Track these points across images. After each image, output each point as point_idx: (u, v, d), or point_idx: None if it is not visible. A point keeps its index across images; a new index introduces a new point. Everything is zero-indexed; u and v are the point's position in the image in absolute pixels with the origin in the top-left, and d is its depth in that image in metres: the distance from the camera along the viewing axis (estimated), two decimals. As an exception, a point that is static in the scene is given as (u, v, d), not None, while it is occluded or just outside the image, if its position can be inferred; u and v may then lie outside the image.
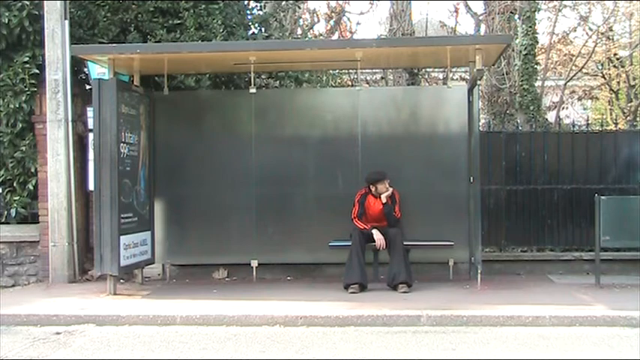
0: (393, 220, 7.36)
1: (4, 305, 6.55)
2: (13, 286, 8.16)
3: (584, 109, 18.51)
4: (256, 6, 11.10)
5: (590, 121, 9.81)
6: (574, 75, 14.34)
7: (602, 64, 15.31)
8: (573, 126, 9.33)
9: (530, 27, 11.45)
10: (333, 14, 16.50)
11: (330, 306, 6.27)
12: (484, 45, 7.10)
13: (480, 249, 7.37)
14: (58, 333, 5.80)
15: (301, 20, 15.86)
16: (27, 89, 8.16)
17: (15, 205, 8.24)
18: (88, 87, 8.44)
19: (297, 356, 5.01)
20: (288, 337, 5.54)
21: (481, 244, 7.42)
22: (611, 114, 16.12)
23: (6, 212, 8.30)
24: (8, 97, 8.15)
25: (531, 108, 11.52)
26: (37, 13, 8.09)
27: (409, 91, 10.32)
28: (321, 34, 16.22)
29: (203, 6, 8.92)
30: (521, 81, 11.56)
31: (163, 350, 5.21)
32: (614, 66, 14.81)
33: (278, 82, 10.10)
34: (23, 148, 8.23)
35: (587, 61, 14.34)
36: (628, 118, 13.89)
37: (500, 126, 11.52)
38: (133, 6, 8.84)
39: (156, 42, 8.53)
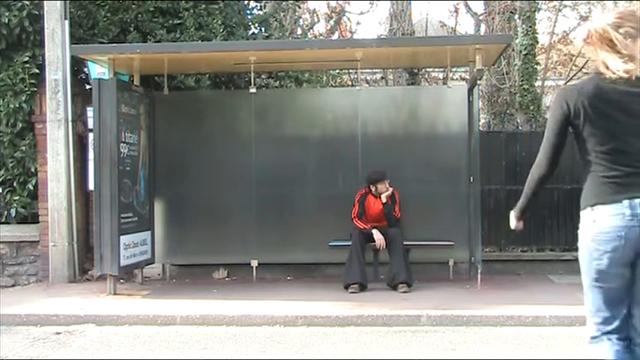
0: (393, 220, 7.36)
1: (4, 305, 6.55)
2: (13, 285, 8.15)
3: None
4: (256, 6, 11.12)
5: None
6: (574, 75, 14.32)
7: (602, 64, 15.30)
8: (573, 126, 9.31)
9: (530, 27, 11.44)
10: (333, 14, 16.51)
11: (330, 306, 6.26)
12: (484, 45, 7.10)
13: (480, 249, 7.38)
14: (58, 333, 5.79)
15: (301, 20, 15.87)
16: (27, 89, 8.16)
17: (15, 205, 8.23)
18: (88, 87, 8.44)
19: (297, 356, 5.01)
20: (288, 337, 5.54)
21: (481, 244, 7.42)
22: (611, 114, 16.11)
23: (6, 212, 8.29)
24: (8, 97, 8.14)
25: (531, 108, 11.51)
26: (37, 13, 8.08)
27: (409, 91, 10.33)
28: (321, 34, 16.23)
29: (203, 6, 8.92)
30: (521, 81, 11.56)
31: (163, 350, 5.21)
32: (614, 66, 14.79)
33: (278, 82, 10.11)
34: (23, 148, 8.23)
35: (588, 61, 14.32)
36: (628, 118, 13.88)
37: (500, 126, 11.51)
38: (133, 6, 8.84)
39: (156, 42, 8.53)
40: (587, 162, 2.82)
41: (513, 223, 3.12)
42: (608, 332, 2.83)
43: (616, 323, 2.81)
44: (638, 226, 2.69)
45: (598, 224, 2.76)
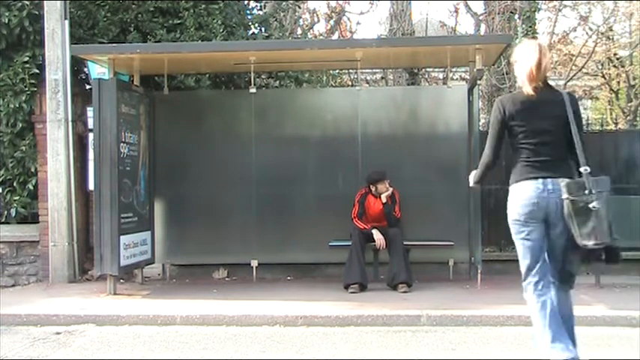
0: (393, 220, 7.36)
1: (4, 305, 6.55)
2: (13, 285, 8.16)
3: (584, 109, 18.47)
4: (256, 6, 11.12)
5: (590, 121, 9.80)
6: (574, 75, 14.31)
7: (602, 64, 15.29)
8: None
9: (530, 27, 11.45)
10: (333, 14, 16.49)
11: (330, 306, 6.26)
12: (484, 45, 7.10)
13: (480, 249, 7.38)
14: (58, 333, 5.80)
15: (301, 20, 15.85)
16: (27, 89, 8.16)
17: (15, 205, 8.24)
18: (88, 87, 8.45)
19: (297, 356, 5.01)
20: (288, 337, 5.54)
21: (481, 244, 7.42)
22: (611, 114, 16.11)
23: (6, 212, 8.30)
24: (8, 97, 8.15)
25: (531, 108, 11.49)
26: (37, 13, 8.09)
27: (409, 91, 10.33)
28: (321, 34, 16.21)
29: (203, 6, 8.93)
30: (522, 81, 11.54)
31: (163, 350, 5.21)
32: (614, 66, 14.78)
33: (278, 82, 10.11)
34: (23, 148, 8.23)
35: (587, 61, 14.31)
36: (628, 118, 13.88)
37: (500, 126, 11.48)
38: (133, 6, 8.85)
39: (156, 42, 8.53)
40: (517, 151, 3.96)
41: (472, 182, 4.37)
42: (532, 277, 3.99)
43: (536, 269, 3.96)
44: (546, 197, 3.84)
45: (521, 194, 3.90)
